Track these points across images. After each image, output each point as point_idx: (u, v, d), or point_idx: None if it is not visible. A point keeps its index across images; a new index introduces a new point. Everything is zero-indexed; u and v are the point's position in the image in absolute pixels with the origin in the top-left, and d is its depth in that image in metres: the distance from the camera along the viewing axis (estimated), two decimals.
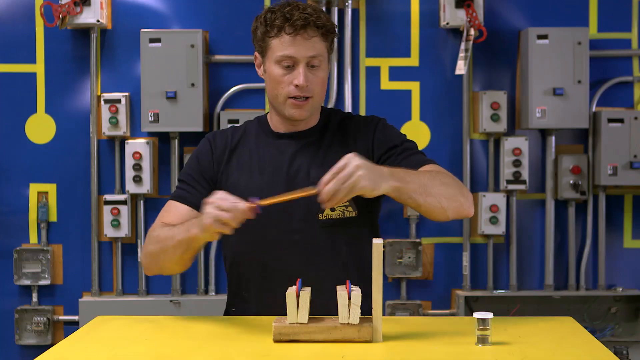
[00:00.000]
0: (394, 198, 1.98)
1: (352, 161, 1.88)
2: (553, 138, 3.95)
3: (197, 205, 2.14)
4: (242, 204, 1.90)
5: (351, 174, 1.86)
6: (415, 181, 1.99)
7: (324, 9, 3.86)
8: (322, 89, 2.17)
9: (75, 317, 3.93)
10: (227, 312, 2.30)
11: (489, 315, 1.81)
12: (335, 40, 2.21)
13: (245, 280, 2.21)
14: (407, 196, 1.98)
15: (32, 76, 3.96)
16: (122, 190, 3.94)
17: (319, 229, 2.15)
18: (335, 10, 3.89)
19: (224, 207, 1.90)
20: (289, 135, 2.23)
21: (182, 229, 2.04)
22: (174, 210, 2.19)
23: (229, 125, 2.42)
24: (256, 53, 2.20)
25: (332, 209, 2.15)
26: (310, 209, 2.14)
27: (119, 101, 3.90)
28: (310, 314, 1.88)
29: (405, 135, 2.26)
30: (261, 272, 2.18)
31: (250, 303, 2.21)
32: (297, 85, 2.12)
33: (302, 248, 2.15)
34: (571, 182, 3.94)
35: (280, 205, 2.06)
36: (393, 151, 2.19)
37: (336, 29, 2.18)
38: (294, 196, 1.95)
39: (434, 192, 2.00)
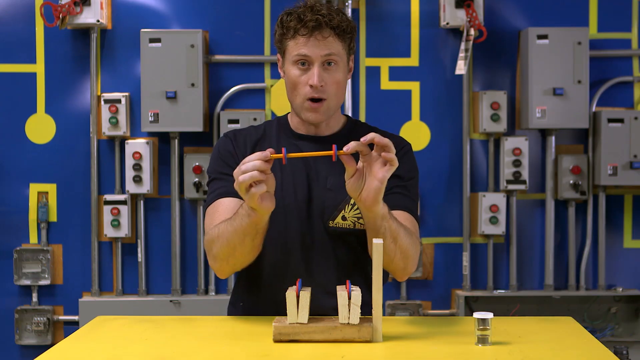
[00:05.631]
0: (367, 222, 2.00)
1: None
2: (553, 138, 3.96)
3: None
4: (254, 162, 1.87)
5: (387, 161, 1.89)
6: (394, 225, 2.01)
7: None
8: (337, 91, 2.16)
9: (75, 317, 3.93)
10: (233, 307, 2.29)
11: (489, 315, 1.81)
12: (355, 40, 2.20)
13: (254, 277, 2.21)
14: (382, 230, 2.00)
15: (32, 76, 3.96)
16: (122, 190, 3.95)
17: (328, 235, 2.15)
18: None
19: (243, 169, 1.88)
20: (311, 138, 2.23)
21: (239, 218, 2.00)
22: (222, 208, 2.15)
23: (248, 125, 2.39)
24: (278, 55, 2.22)
25: (344, 219, 2.16)
26: (323, 215, 2.15)
27: (119, 101, 3.90)
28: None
29: (417, 173, 2.26)
30: (270, 270, 2.18)
31: (258, 301, 2.21)
32: (312, 86, 2.12)
33: (310, 251, 2.15)
34: (571, 182, 3.94)
35: (293, 207, 2.12)
36: (393, 181, 2.17)
37: (354, 29, 2.18)
38: (320, 154, 1.94)
39: (399, 244, 2.04)
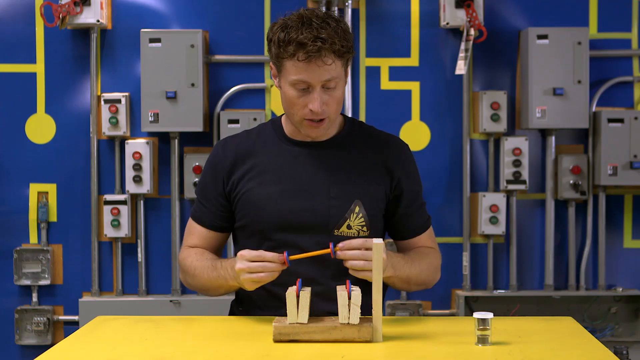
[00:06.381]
0: None
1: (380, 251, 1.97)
2: (553, 138, 3.96)
3: (213, 225, 2.25)
4: (271, 264, 1.97)
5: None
6: (404, 272, 2.13)
7: (323, 9, 3.86)
8: (338, 107, 2.13)
9: (75, 317, 3.93)
10: (233, 312, 2.30)
11: (489, 315, 1.82)
12: (352, 50, 2.14)
13: None
14: (392, 280, 2.14)
15: (32, 76, 3.96)
16: (122, 190, 3.94)
17: (332, 243, 2.15)
18: (336, 10, 3.89)
19: (256, 269, 1.97)
20: (308, 144, 2.21)
21: (218, 274, 2.12)
22: (195, 233, 2.28)
23: (248, 126, 2.40)
24: (271, 64, 2.14)
25: (349, 227, 2.16)
26: (328, 223, 2.15)
27: (119, 101, 3.90)
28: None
29: (419, 175, 2.32)
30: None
31: (258, 305, 2.20)
32: (311, 110, 2.08)
33: (311, 258, 2.14)
34: (571, 182, 3.94)
35: (297, 214, 2.13)
36: (407, 200, 2.26)
37: (352, 47, 2.11)
38: (319, 253, 2.02)
39: (413, 282, 2.19)
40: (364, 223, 2.16)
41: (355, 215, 2.15)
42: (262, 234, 2.15)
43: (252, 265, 1.97)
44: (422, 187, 2.34)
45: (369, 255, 1.93)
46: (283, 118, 2.26)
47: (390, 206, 2.24)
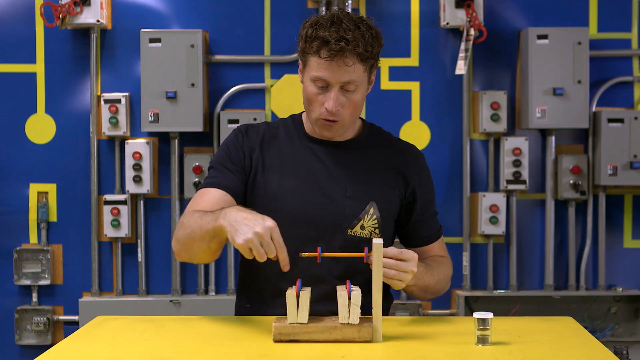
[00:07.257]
0: None
1: (413, 264, 1.96)
2: (553, 138, 3.96)
3: (230, 188, 2.14)
4: (280, 253, 1.84)
5: (405, 272, 1.95)
6: (424, 281, 2.12)
7: (323, 9, 3.86)
8: (354, 111, 2.14)
9: (75, 317, 3.93)
10: (240, 307, 2.28)
11: (489, 315, 1.82)
12: (379, 56, 2.13)
13: (264, 279, 2.20)
14: (411, 289, 2.13)
15: (32, 76, 3.96)
16: (122, 190, 3.95)
17: (344, 243, 2.15)
18: (335, 10, 3.88)
19: (264, 242, 1.82)
20: (326, 143, 2.22)
21: (210, 218, 1.94)
22: (206, 196, 2.13)
23: (262, 121, 2.39)
24: (299, 60, 2.16)
25: (362, 228, 2.17)
26: (342, 223, 2.15)
27: (119, 101, 3.90)
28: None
29: (433, 188, 2.35)
30: (282, 273, 2.16)
31: (267, 302, 2.20)
32: (326, 108, 2.09)
33: (324, 257, 2.14)
34: (571, 182, 3.94)
35: (312, 209, 2.13)
36: (420, 208, 2.27)
37: (381, 47, 2.11)
38: (352, 255, 1.98)
39: (429, 291, 2.20)
40: (377, 225, 2.17)
41: (369, 216, 2.16)
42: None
43: (265, 240, 1.82)
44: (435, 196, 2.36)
45: (402, 266, 1.94)
46: (303, 115, 2.27)
47: (402, 213, 2.26)
